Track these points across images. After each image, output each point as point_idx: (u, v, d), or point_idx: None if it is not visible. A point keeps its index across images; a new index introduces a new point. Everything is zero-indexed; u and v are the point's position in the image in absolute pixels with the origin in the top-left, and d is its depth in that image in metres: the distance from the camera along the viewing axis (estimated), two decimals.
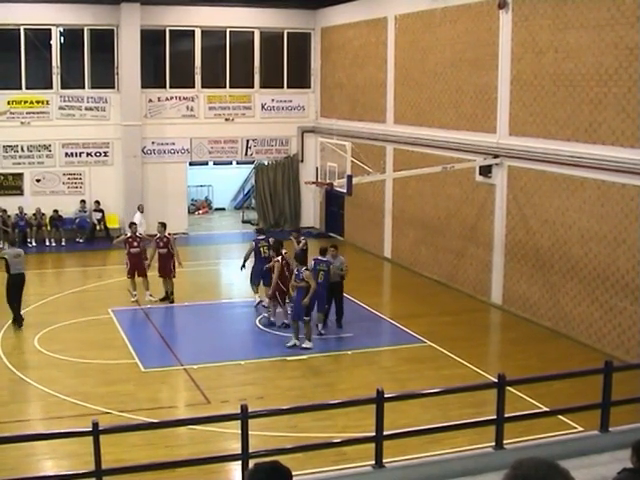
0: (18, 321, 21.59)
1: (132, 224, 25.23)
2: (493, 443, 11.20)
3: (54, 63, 32.97)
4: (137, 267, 24.14)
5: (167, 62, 34.52)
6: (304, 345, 20.03)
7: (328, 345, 20.70)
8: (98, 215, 33.48)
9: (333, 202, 34.35)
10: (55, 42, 32.94)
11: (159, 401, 17.21)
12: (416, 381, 17.72)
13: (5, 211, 31.98)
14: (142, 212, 29.00)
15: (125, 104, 33.40)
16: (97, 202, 33.45)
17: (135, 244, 24.26)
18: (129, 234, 24.69)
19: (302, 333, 20.18)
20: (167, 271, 24.14)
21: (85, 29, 33.14)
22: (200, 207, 40.76)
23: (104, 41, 33.54)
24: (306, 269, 20.42)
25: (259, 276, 23.15)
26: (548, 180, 21.70)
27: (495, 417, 11.30)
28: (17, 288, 21.72)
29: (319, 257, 21.34)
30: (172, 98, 34.51)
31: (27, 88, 32.79)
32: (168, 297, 24.28)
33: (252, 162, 37.46)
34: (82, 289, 25.87)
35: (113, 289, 25.56)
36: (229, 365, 19.20)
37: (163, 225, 24.53)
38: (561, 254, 21.36)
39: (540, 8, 21.60)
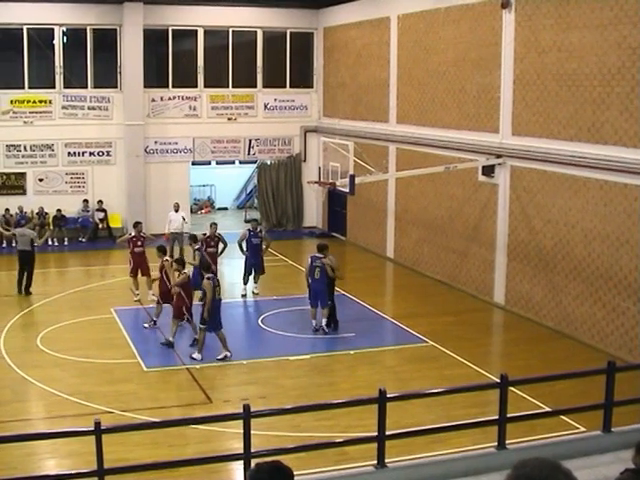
0: (22, 290, 24.91)
1: (137, 223, 25.18)
2: (495, 443, 11.18)
3: (57, 62, 32.98)
4: (140, 266, 24.16)
5: (170, 62, 34.54)
6: (193, 356, 19.29)
7: (330, 344, 20.71)
8: (101, 215, 33.50)
9: (336, 202, 34.34)
10: (58, 41, 32.96)
11: (161, 400, 17.19)
12: (418, 381, 17.72)
13: (7, 210, 32.01)
14: (177, 211, 28.88)
15: (128, 104, 33.42)
16: (100, 201, 33.48)
17: (139, 243, 24.26)
18: (133, 233, 24.67)
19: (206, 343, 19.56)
20: (215, 269, 24.17)
21: (88, 29, 33.16)
22: (203, 206, 40.82)
23: (107, 41, 33.58)
24: (207, 278, 19.51)
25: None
26: (551, 180, 21.68)
27: (497, 417, 11.28)
28: (21, 262, 24.97)
29: (316, 254, 21.43)
30: (175, 98, 34.53)
31: (30, 87, 32.83)
32: None
33: (255, 162, 37.43)
34: (84, 288, 25.86)
35: (115, 289, 25.56)
36: (231, 364, 19.18)
37: (215, 225, 25.07)
38: (564, 254, 21.34)
39: (543, 8, 21.58)
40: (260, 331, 21.94)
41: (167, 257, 21.76)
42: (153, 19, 33.32)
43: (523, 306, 23.04)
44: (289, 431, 14.63)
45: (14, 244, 30.48)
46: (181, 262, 20.76)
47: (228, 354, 19.30)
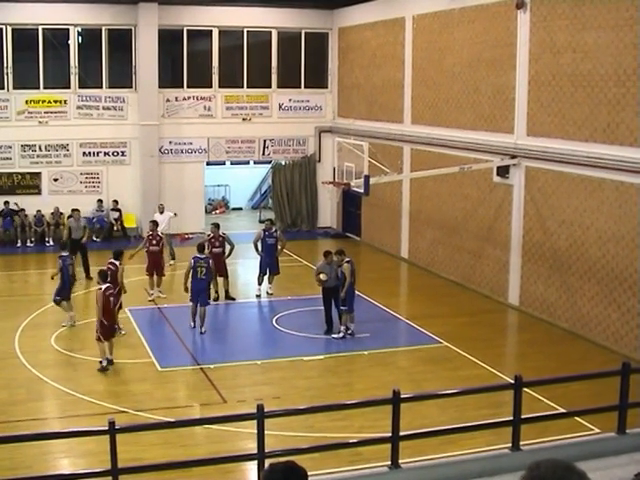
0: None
1: (152, 222, 25.40)
2: (510, 444, 11.16)
3: (72, 63, 33.09)
4: (156, 265, 24.33)
5: (185, 62, 34.62)
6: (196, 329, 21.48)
7: (345, 345, 20.67)
8: (115, 214, 33.60)
9: (350, 202, 34.32)
10: (73, 42, 33.06)
11: (175, 400, 17.25)
12: (432, 382, 17.71)
13: (23, 210, 32.20)
14: (162, 212, 28.95)
15: (143, 104, 33.50)
16: (115, 201, 33.56)
17: (154, 242, 24.42)
18: (150, 232, 24.84)
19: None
20: (223, 270, 24.23)
21: (103, 29, 33.26)
22: (217, 207, 40.84)
23: (122, 41, 33.67)
24: (192, 258, 21.60)
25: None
26: (566, 181, 21.63)
27: (512, 418, 11.27)
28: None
29: (347, 258, 21.25)
30: (189, 98, 34.59)
31: (45, 88, 32.95)
32: (228, 296, 24.56)
33: (269, 162, 37.49)
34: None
35: (130, 288, 25.54)
36: (245, 365, 19.22)
37: (216, 225, 24.84)
38: (579, 255, 21.29)
39: (558, 8, 21.52)
40: (274, 331, 21.94)
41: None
42: (168, 19, 33.40)
43: (537, 307, 22.98)
44: (303, 431, 14.64)
45: (29, 243, 32.06)
46: (103, 275, 19.41)
47: (191, 324, 21.55)
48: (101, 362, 18.66)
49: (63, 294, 21.76)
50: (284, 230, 32.25)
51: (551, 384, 14.99)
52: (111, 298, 18.95)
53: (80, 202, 32.07)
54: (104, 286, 18.98)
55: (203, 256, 21.63)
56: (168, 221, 28.82)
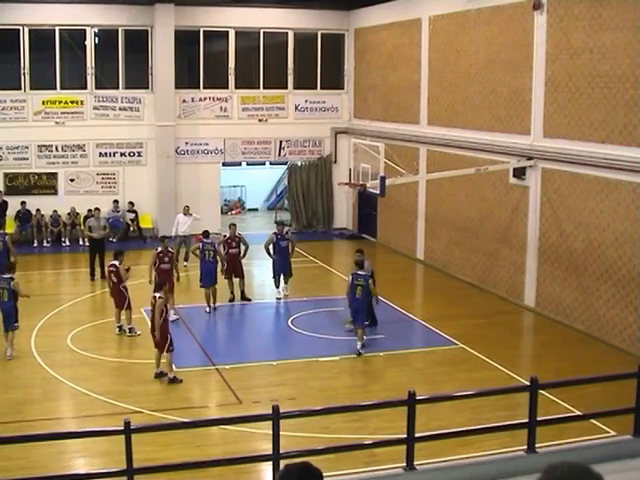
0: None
1: (163, 238, 23.97)
2: (525, 447, 11.13)
3: (89, 63, 33.20)
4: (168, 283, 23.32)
5: (201, 63, 34.67)
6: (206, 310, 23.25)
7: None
8: (131, 215, 33.66)
9: (366, 203, 34.29)
10: (90, 43, 33.18)
11: (191, 401, 17.27)
12: (448, 383, 17.68)
13: (38, 210, 32.32)
14: (185, 214, 28.84)
15: (159, 104, 33.56)
16: (131, 203, 33.62)
17: (166, 259, 22.91)
18: (160, 249, 23.17)
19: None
20: (239, 270, 24.24)
21: (119, 30, 33.36)
22: (233, 207, 40.89)
23: (138, 42, 33.75)
24: (200, 241, 23.57)
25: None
26: (582, 182, 21.55)
27: (527, 420, 11.23)
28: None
29: (357, 271, 20.26)
30: (206, 99, 34.64)
31: (62, 88, 33.06)
32: (244, 297, 24.53)
33: (285, 163, 37.53)
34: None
35: (145, 289, 25.54)
36: (261, 365, 19.23)
37: (234, 226, 24.85)
38: (595, 257, 21.21)
39: (575, 9, 21.45)
40: (290, 332, 21.95)
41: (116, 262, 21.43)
42: (184, 20, 33.46)
43: (553, 309, 22.91)
44: (318, 432, 14.63)
45: (45, 243, 32.41)
46: (160, 285, 18.70)
47: (207, 309, 23.25)
48: (165, 374, 18.09)
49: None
50: (299, 231, 32.24)
51: (567, 386, 14.94)
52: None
53: (96, 202, 32.11)
54: (157, 294, 18.15)
55: (209, 241, 23.70)
56: (191, 223, 28.83)
